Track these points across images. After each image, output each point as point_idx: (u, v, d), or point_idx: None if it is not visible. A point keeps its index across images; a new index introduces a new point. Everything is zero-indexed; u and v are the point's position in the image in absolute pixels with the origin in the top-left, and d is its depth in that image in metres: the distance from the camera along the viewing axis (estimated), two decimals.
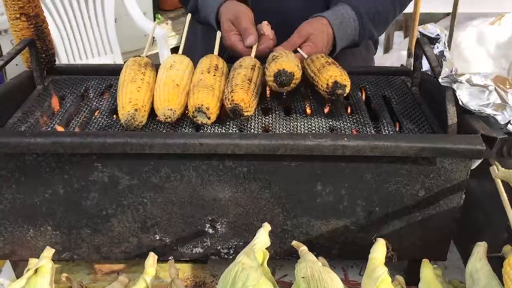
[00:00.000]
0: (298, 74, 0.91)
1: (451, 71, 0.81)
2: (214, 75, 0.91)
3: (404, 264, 0.93)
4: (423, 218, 0.84)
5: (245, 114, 0.84)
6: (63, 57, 2.68)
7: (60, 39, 2.64)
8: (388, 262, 0.76)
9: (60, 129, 0.90)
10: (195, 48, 1.18)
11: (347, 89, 0.89)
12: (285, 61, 0.91)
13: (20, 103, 0.97)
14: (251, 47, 1.04)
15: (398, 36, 3.66)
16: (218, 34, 1.06)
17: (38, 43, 1.02)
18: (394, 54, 3.25)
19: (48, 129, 0.89)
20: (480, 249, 0.75)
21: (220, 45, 1.04)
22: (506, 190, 0.78)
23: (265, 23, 1.08)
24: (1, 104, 0.92)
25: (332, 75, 0.89)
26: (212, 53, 1.00)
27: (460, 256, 0.97)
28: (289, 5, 1.20)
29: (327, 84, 0.88)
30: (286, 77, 0.88)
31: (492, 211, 0.90)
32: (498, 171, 0.79)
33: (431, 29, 0.95)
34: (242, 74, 0.89)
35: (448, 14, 2.88)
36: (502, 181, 0.78)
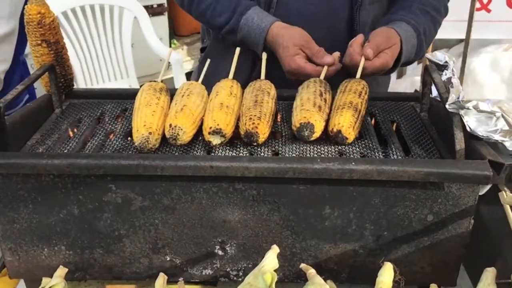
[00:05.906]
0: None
1: (458, 98, 0.82)
2: (230, 96, 0.95)
3: None
4: (431, 243, 0.84)
5: (259, 142, 0.88)
6: (81, 81, 2.74)
7: (78, 63, 2.71)
8: (396, 287, 0.76)
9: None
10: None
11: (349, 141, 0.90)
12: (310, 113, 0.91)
13: (39, 126, 1.00)
14: (320, 69, 1.08)
15: None
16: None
17: (58, 69, 1.06)
18: (407, 80, 3.26)
19: (65, 151, 0.92)
20: (489, 274, 0.75)
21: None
22: None
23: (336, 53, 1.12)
24: (20, 126, 0.95)
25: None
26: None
27: (471, 283, 0.96)
28: (311, 11, 1.22)
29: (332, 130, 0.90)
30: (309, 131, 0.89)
31: (502, 237, 0.90)
32: (506, 197, 0.79)
33: (439, 56, 0.97)
34: (268, 106, 0.93)
35: (461, 40, 2.88)
36: (511, 207, 0.78)
